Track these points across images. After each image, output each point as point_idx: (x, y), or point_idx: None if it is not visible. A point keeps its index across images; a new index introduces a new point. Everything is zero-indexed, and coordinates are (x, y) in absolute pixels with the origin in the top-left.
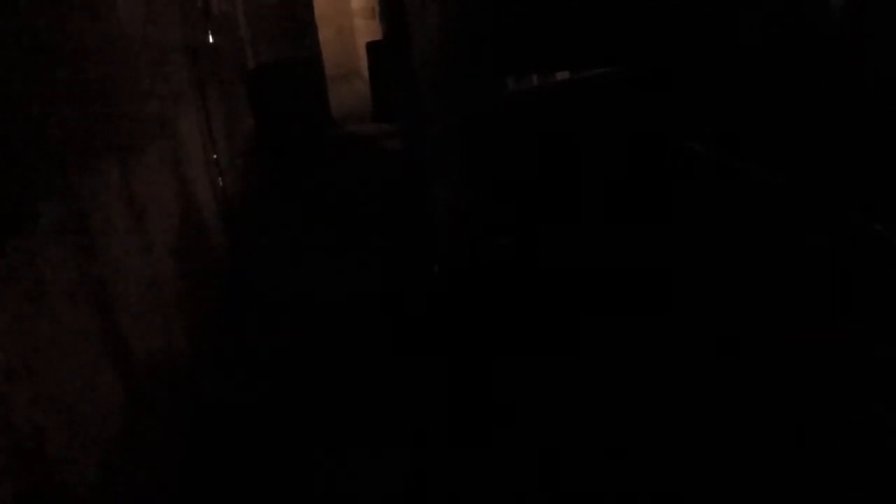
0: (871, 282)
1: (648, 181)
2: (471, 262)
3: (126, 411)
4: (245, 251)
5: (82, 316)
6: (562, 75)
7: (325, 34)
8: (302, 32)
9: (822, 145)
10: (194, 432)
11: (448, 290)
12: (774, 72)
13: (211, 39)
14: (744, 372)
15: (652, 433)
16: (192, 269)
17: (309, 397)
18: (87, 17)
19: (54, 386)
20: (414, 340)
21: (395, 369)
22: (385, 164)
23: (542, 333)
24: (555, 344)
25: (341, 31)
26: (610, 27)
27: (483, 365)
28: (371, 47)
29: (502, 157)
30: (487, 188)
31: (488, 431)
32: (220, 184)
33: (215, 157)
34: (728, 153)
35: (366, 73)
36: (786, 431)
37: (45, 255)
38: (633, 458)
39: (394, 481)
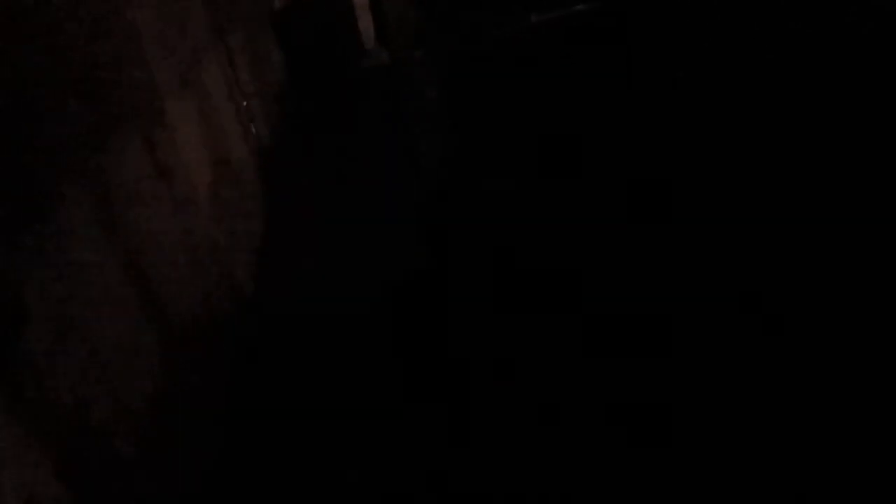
0: None
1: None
2: (455, 208)
3: (165, 371)
4: (283, 197)
5: (116, 283)
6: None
7: None
8: None
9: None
10: (235, 382)
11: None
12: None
13: None
14: None
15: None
16: (228, 221)
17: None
18: None
19: (94, 356)
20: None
21: None
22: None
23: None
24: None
25: None
26: None
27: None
28: None
29: (486, 100)
30: (472, 131)
31: None
32: (253, 130)
33: (245, 104)
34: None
35: None
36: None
37: (74, 232)
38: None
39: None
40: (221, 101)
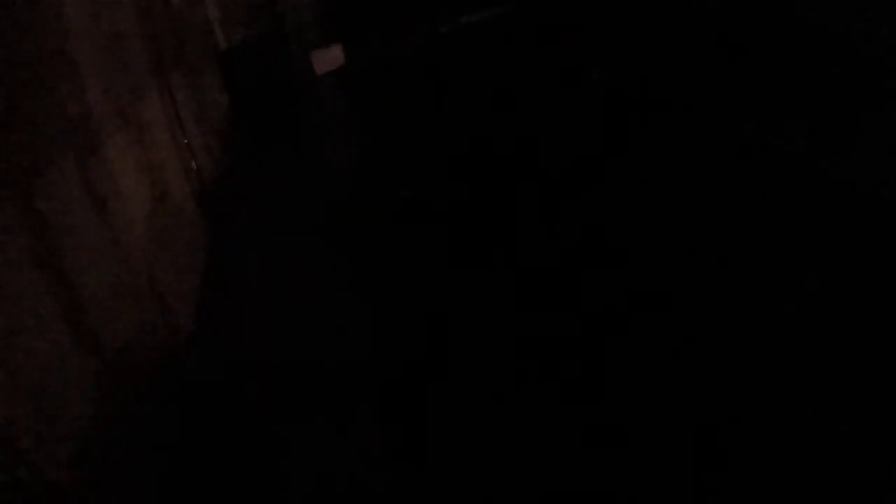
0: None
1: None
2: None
3: (99, 395)
4: (225, 231)
5: (46, 310)
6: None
7: None
8: (274, 8)
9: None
10: (179, 409)
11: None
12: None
13: (172, 27)
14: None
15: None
16: (167, 251)
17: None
18: (31, 24)
19: (23, 377)
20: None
21: None
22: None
23: None
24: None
25: None
26: None
27: None
28: None
29: (393, 109)
30: (380, 142)
31: None
32: (194, 166)
33: (186, 141)
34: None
35: None
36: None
37: (4, 256)
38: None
39: None
40: (162, 137)
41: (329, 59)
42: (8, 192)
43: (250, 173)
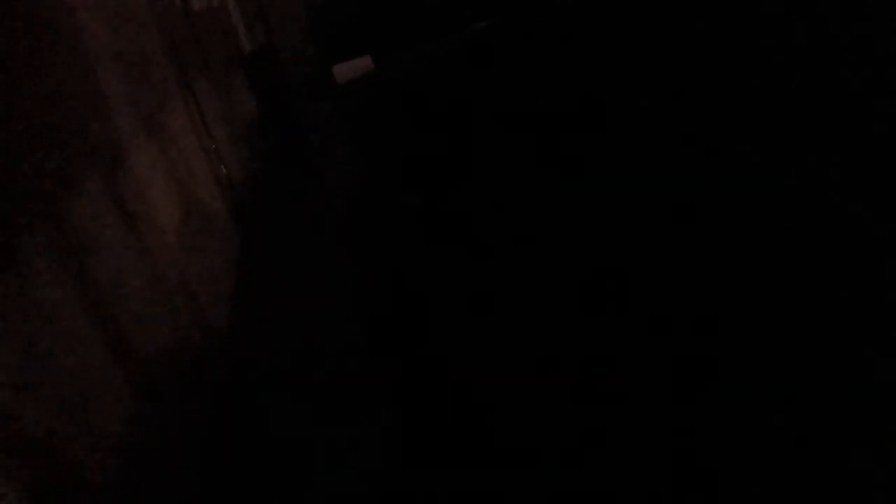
0: None
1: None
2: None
3: (135, 405)
4: (256, 234)
5: (81, 324)
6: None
7: None
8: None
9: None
10: (213, 417)
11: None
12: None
13: (194, 35)
14: None
15: None
16: (199, 257)
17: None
18: (52, 47)
19: (61, 390)
20: None
21: None
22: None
23: None
24: None
25: None
26: None
27: None
28: None
29: (395, 126)
30: (383, 157)
31: None
32: (223, 171)
33: (214, 147)
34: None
35: None
36: None
37: (37, 276)
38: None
39: None
40: (190, 146)
41: (353, 67)
42: (37, 211)
43: (277, 175)
